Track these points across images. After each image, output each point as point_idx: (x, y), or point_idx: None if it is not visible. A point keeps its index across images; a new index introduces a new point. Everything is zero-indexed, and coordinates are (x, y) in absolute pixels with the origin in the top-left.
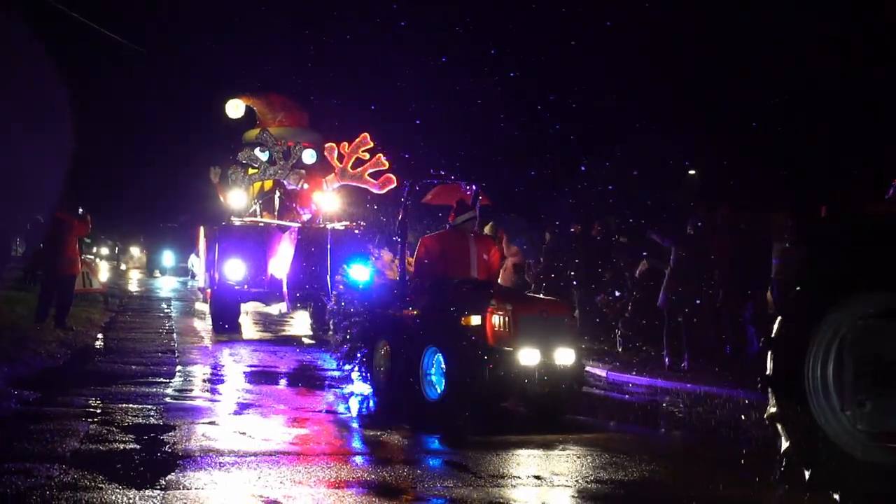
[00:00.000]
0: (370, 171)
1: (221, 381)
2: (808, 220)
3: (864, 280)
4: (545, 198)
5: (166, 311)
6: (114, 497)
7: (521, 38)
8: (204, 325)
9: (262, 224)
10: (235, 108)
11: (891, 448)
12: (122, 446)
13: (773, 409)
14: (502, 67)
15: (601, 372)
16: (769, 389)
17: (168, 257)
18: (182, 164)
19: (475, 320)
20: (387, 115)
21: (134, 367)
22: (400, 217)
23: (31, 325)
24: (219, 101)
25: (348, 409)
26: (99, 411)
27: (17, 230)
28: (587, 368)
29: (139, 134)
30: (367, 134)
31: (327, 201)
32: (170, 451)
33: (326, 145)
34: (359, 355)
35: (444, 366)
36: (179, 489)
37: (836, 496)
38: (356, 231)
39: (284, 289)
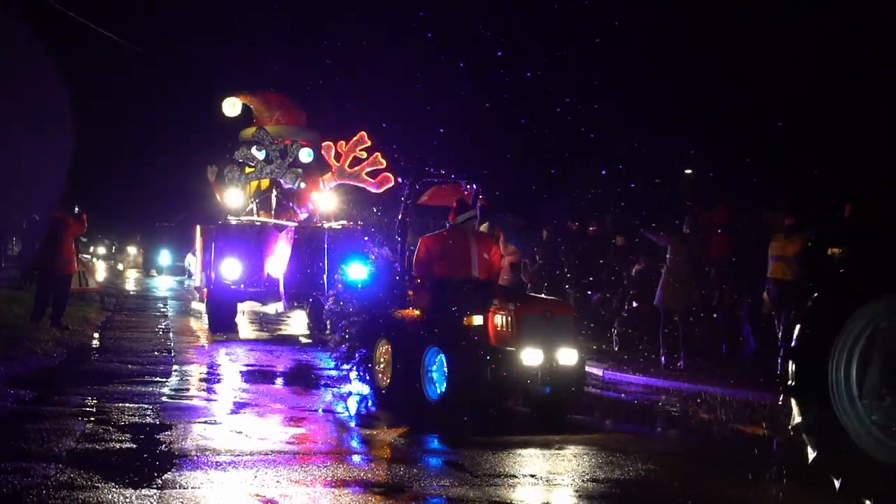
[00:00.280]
0: (367, 169)
1: (218, 381)
2: (836, 220)
3: None
4: (543, 197)
5: (163, 310)
6: (110, 496)
7: (520, 38)
8: (200, 325)
9: (258, 223)
10: (232, 107)
11: None
12: (118, 445)
13: (798, 420)
14: (501, 67)
15: (597, 371)
16: (792, 399)
17: (165, 256)
18: (179, 163)
19: (477, 320)
20: (384, 114)
21: (130, 366)
22: (400, 216)
23: (28, 325)
24: (216, 99)
25: (346, 408)
26: (95, 410)
27: (14, 229)
28: None
29: (137, 133)
30: (364, 132)
31: (324, 200)
32: (166, 450)
33: (324, 144)
34: (357, 355)
35: (445, 366)
36: (176, 488)
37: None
38: (353, 230)
39: (281, 288)
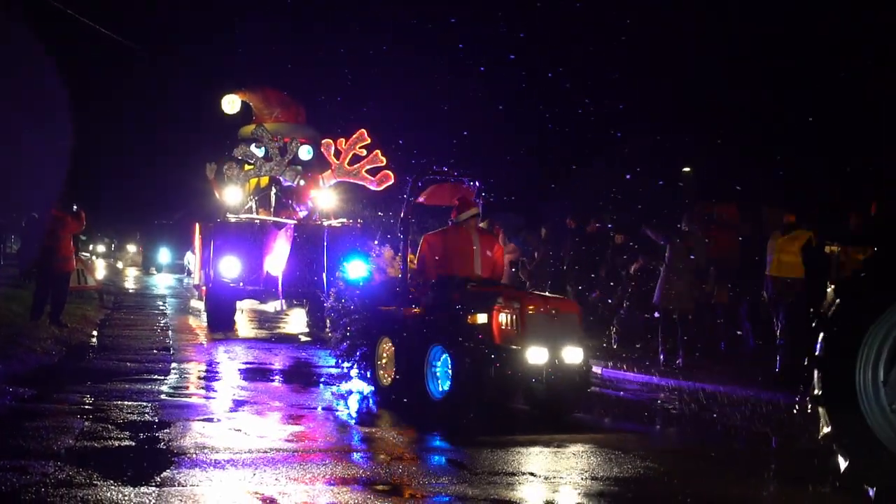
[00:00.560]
0: (367, 167)
1: (217, 379)
2: (867, 220)
3: None
4: (545, 197)
5: (162, 308)
6: (109, 494)
7: (523, 38)
8: (199, 323)
9: (257, 221)
10: (231, 104)
11: None
12: (117, 443)
13: (826, 430)
14: (504, 66)
15: (596, 369)
16: (820, 408)
17: (164, 254)
18: (179, 160)
19: (482, 318)
20: (385, 113)
21: (129, 364)
22: (403, 214)
23: (27, 323)
24: (215, 97)
25: (346, 406)
26: (94, 408)
27: (13, 227)
28: None
29: (136, 131)
30: (364, 130)
31: (324, 198)
32: (165, 448)
33: (323, 141)
34: (358, 353)
35: (449, 364)
36: (175, 486)
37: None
38: (353, 228)
39: (280, 286)
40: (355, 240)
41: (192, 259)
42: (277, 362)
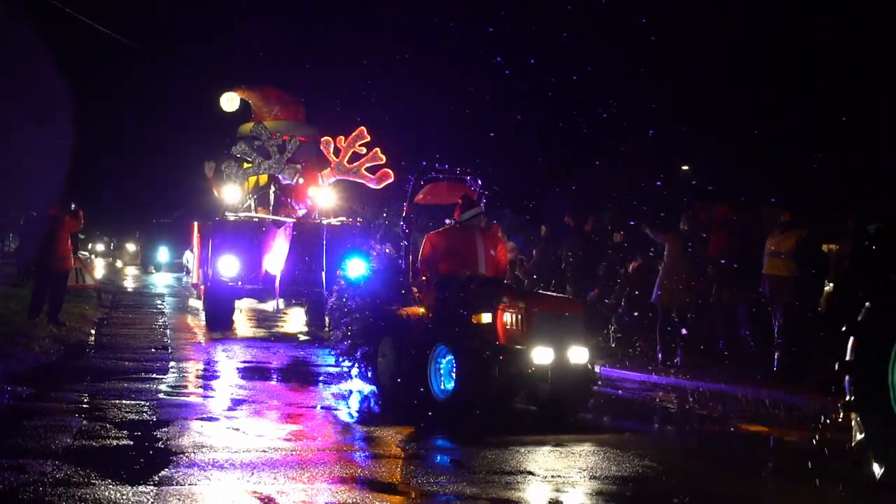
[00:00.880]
0: (367, 165)
1: (215, 378)
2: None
3: None
4: (545, 196)
5: (160, 307)
6: (107, 493)
7: (523, 36)
8: (198, 322)
9: (256, 219)
10: (230, 102)
11: None
12: (115, 442)
13: (860, 437)
14: (501, 65)
15: (595, 367)
16: (852, 414)
17: (163, 253)
18: (178, 159)
19: (486, 318)
20: (386, 110)
21: (127, 363)
22: (405, 212)
23: (25, 321)
24: (214, 95)
25: (346, 405)
26: (92, 407)
27: (11, 226)
28: None
29: (135, 130)
30: (363, 128)
31: (323, 196)
32: (163, 447)
33: (322, 139)
34: (359, 352)
35: (453, 364)
36: (173, 485)
37: None
38: (353, 227)
39: (278, 285)
40: (355, 238)
41: (191, 258)
42: (276, 361)
